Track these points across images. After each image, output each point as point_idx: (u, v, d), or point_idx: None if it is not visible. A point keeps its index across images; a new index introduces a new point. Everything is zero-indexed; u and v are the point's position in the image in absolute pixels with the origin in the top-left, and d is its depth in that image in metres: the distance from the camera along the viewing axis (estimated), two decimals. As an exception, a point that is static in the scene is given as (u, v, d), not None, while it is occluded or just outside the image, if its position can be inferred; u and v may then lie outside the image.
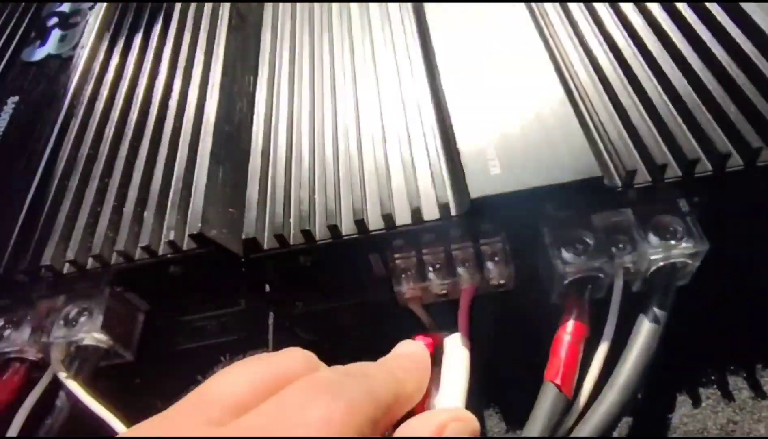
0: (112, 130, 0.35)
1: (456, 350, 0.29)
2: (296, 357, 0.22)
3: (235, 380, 0.20)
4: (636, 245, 0.29)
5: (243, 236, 0.30)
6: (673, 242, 0.28)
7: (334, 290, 0.33)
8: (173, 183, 0.32)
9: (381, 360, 0.25)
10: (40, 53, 0.43)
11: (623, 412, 0.26)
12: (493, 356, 0.32)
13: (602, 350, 0.28)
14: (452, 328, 0.30)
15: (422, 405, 0.27)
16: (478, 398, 0.30)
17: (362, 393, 0.20)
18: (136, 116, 0.36)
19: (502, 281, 0.31)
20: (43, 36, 0.45)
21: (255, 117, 0.36)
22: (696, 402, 0.30)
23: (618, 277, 0.29)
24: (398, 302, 0.31)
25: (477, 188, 0.28)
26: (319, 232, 0.30)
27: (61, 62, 0.42)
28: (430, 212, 0.29)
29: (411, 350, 0.27)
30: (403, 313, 0.31)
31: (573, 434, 0.26)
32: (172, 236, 0.30)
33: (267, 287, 0.33)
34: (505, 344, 0.33)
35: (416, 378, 0.25)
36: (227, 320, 0.34)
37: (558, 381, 0.27)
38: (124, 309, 0.32)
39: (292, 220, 0.30)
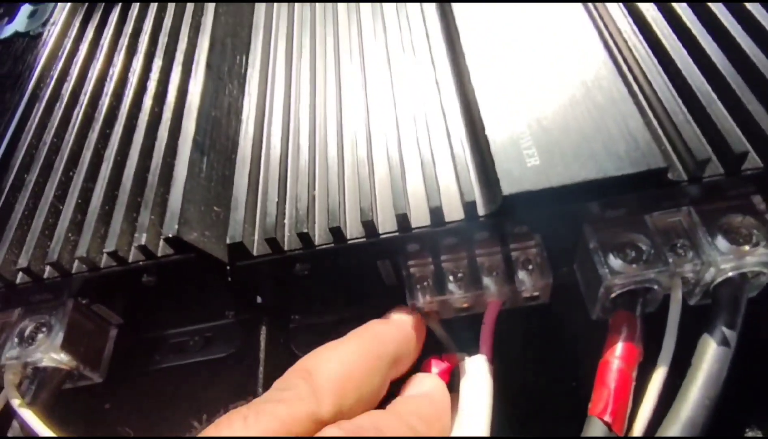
0: (81, 114, 0.31)
1: (477, 375, 0.24)
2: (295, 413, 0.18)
3: None
4: (700, 251, 0.24)
5: (228, 240, 0.25)
6: (746, 248, 0.23)
7: (336, 301, 0.29)
8: (149, 177, 0.27)
9: (394, 405, 0.21)
10: (6, 31, 0.39)
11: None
12: (520, 381, 0.28)
13: (658, 379, 0.23)
14: (472, 346, 0.25)
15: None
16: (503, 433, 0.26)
17: None
18: (108, 99, 0.31)
19: (535, 293, 0.26)
20: (11, 12, 0.40)
21: (246, 101, 0.31)
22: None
23: (676, 289, 0.24)
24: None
25: (510, 183, 0.23)
26: (319, 235, 0.25)
27: (29, 40, 0.37)
28: (453, 212, 0.24)
29: (428, 390, 0.23)
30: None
31: (628, 484, 0.22)
32: (143, 240, 0.25)
33: (258, 298, 0.28)
34: (534, 367, 0.28)
35: (438, 428, 0.21)
36: (212, 335, 0.30)
37: (608, 418, 0.22)
38: (92, 324, 0.27)
39: (287, 221, 0.26)
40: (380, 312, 0.28)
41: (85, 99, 0.32)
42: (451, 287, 0.25)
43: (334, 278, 0.27)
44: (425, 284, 0.26)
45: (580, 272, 0.27)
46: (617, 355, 0.23)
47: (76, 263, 0.25)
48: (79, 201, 0.27)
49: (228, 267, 0.26)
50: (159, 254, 0.25)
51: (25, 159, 0.29)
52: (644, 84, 0.26)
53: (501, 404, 0.24)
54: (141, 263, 0.25)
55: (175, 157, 0.28)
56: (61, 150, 0.29)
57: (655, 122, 0.25)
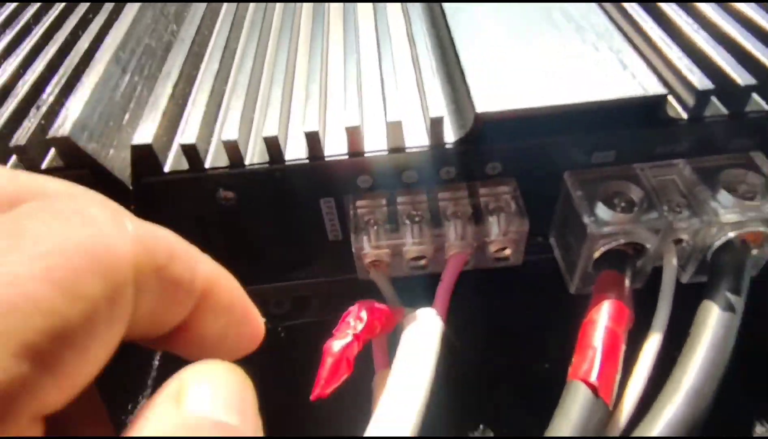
0: None
1: (423, 324, 0.19)
2: None
3: None
4: (698, 209, 0.20)
5: (133, 142, 0.20)
6: (751, 203, 0.20)
7: (263, 248, 0.24)
8: (52, 79, 0.23)
9: None
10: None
11: (693, 429, 0.17)
12: (478, 359, 0.23)
13: (653, 345, 0.19)
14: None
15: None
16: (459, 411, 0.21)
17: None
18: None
19: (506, 251, 0.22)
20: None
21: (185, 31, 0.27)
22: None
23: (669, 253, 0.21)
24: (357, 272, 0.22)
25: (485, 102, 0.19)
26: (253, 152, 0.21)
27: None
28: (415, 136, 0.20)
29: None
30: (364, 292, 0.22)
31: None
32: (24, 141, 0.20)
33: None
34: (496, 344, 0.23)
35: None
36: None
37: (593, 380, 0.17)
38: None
39: (215, 135, 0.21)
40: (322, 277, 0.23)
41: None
42: (406, 229, 0.21)
43: (264, 215, 0.22)
44: (376, 227, 0.21)
45: (558, 235, 0.23)
46: (604, 314, 0.19)
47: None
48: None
49: (130, 188, 0.21)
50: (44, 167, 0.20)
51: None
52: (631, 22, 0.24)
53: (449, 382, 0.19)
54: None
55: (88, 65, 0.23)
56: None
57: (648, 54, 0.22)
